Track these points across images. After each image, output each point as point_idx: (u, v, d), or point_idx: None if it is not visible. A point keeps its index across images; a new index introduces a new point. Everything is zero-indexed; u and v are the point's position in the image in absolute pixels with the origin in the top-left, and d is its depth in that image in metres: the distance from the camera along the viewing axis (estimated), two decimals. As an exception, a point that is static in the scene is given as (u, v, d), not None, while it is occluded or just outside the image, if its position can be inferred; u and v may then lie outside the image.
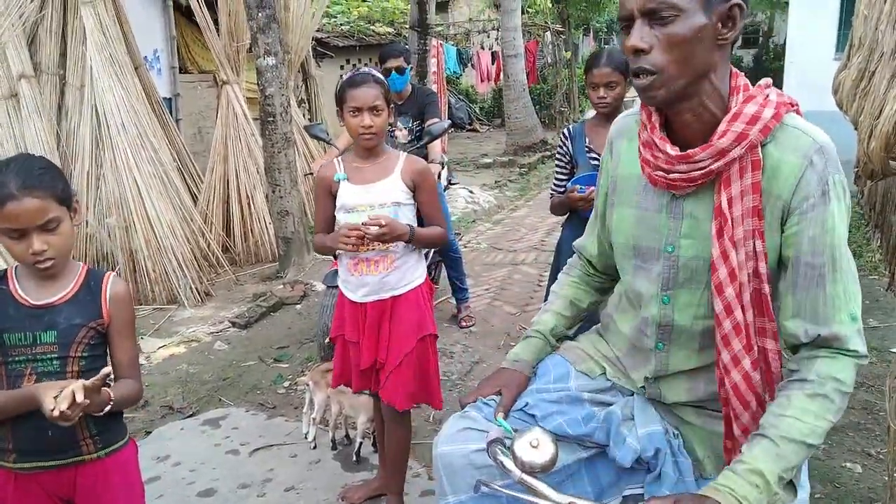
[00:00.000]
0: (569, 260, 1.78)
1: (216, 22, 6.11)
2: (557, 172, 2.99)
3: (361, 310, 2.37)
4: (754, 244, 1.24)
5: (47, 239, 1.51)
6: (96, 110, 5.09)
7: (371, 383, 2.45)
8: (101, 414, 1.53)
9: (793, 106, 1.29)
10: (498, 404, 1.47)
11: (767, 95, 1.27)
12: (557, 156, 3.00)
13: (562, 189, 2.95)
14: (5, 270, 1.60)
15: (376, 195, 2.28)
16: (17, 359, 1.54)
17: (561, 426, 1.44)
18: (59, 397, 1.40)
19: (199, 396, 3.60)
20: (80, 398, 1.39)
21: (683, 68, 1.21)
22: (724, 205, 1.25)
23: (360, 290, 2.36)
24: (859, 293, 1.27)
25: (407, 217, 2.32)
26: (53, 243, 1.52)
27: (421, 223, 2.39)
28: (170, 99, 7.37)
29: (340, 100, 2.27)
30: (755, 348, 1.28)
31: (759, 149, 1.24)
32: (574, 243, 1.75)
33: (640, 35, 1.21)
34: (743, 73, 1.32)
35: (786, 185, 1.23)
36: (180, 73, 7.68)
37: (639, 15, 1.22)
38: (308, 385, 3.02)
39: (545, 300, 3.15)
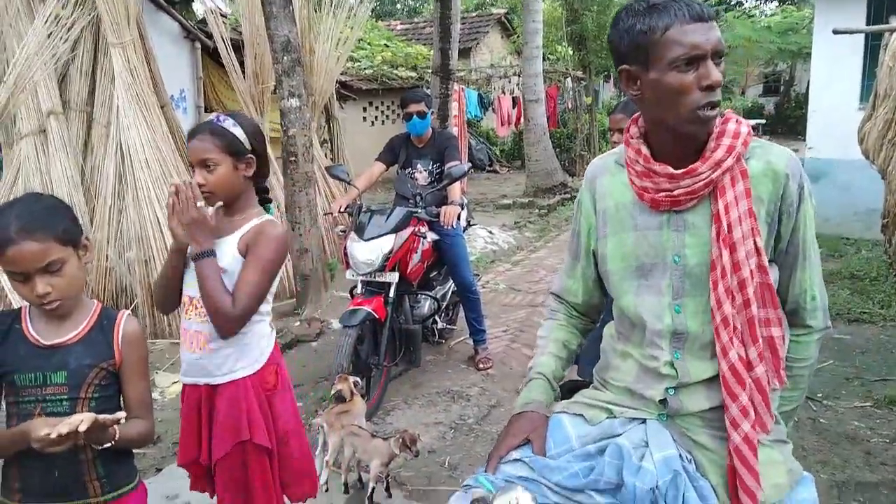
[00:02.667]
0: (550, 307, 1.82)
1: (242, 64, 6.24)
2: None
3: (184, 389, 2.02)
4: (754, 241, 1.39)
5: (51, 281, 1.48)
6: (121, 147, 5.17)
7: (202, 484, 2.05)
8: (101, 448, 1.49)
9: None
10: (534, 453, 1.49)
11: (738, 118, 1.47)
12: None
13: None
14: (20, 309, 1.57)
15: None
16: (27, 399, 1.51)
17: (560, 483, 1.43)
18: (64, 423, 1.36)
19: (211, 435, 3.54)
20: (83, 427, 1.35)
21: None
22: (722, 211, 1.40)
23: (183, 366, 1.99)
24: (821, 279, 1.52)
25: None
26: (57, 285, 1.49)
27: None
28: (194, 137, 7.48)
29: None
30: (760, 339, 1.40)
31: (744, 161, 1.42)
32: (552, 290, 1.81)
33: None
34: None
35: (772, 192, 1.42)
36: (205, 112, 7.83)
37: (710, 55, 1.36)
38: (322, 427, 2.97)
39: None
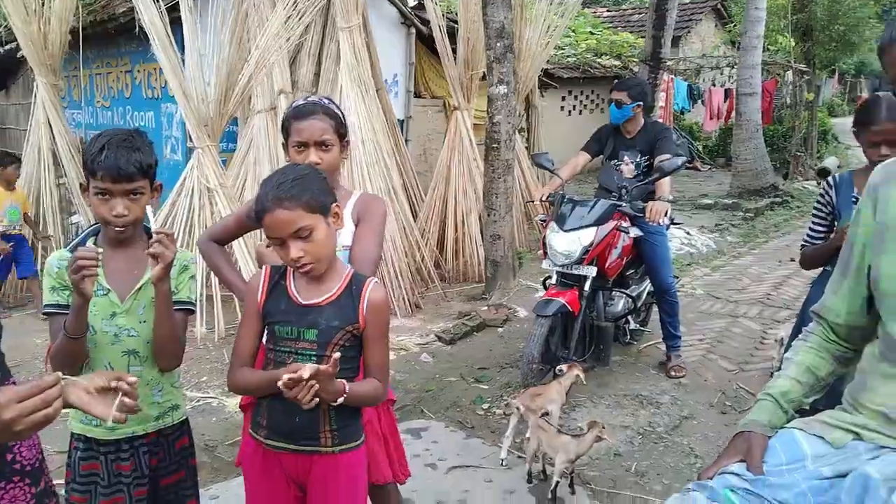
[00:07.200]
0: (805, 327, 1.68)
1: (454, 51, 6.41)
2: (814, 223, 2.76)
3: None
4: None
5: (303, 246, 1.60)
6: (341, 126, 5.53)
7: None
8: (335, 405, 1.59)
9: None
10: (748, 469, 1.40)
11: None
12: (817, 205, 2.76)
13: (819, 241, 2.73)
14: (286, 267, 1.71)
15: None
16: (282, 349, 1.67)
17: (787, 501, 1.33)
18: (288, 368, 1.50)
19: (403, 404, 3.71)
20: (305, 374, 1.46)
21: None
22: None
23: None
24: None
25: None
26: (309, 250, 1.60)
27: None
28: (402, 120, 7.84)
29: (286, 132, 2.06)
30: None
31: None
32: (813, 308, 1.65)
33: None
34: None
35: None
36: (414, 97, 8.15)
37: None
38: (519, 408, 2.99)
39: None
